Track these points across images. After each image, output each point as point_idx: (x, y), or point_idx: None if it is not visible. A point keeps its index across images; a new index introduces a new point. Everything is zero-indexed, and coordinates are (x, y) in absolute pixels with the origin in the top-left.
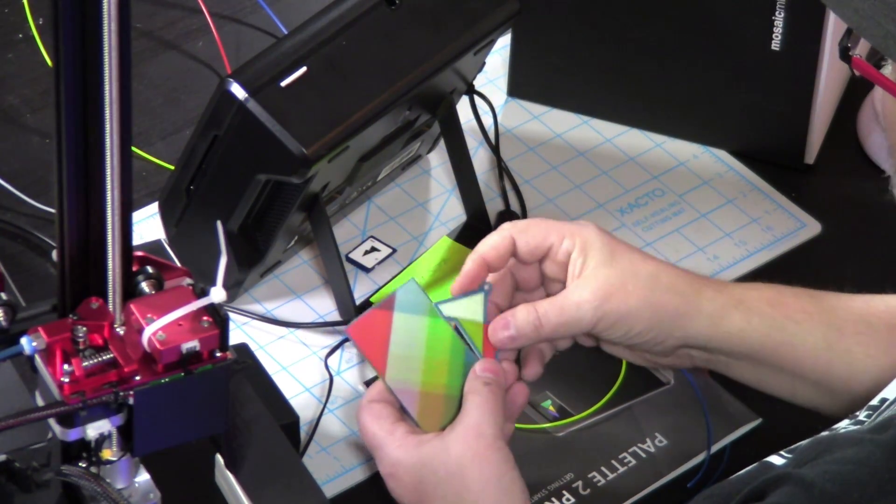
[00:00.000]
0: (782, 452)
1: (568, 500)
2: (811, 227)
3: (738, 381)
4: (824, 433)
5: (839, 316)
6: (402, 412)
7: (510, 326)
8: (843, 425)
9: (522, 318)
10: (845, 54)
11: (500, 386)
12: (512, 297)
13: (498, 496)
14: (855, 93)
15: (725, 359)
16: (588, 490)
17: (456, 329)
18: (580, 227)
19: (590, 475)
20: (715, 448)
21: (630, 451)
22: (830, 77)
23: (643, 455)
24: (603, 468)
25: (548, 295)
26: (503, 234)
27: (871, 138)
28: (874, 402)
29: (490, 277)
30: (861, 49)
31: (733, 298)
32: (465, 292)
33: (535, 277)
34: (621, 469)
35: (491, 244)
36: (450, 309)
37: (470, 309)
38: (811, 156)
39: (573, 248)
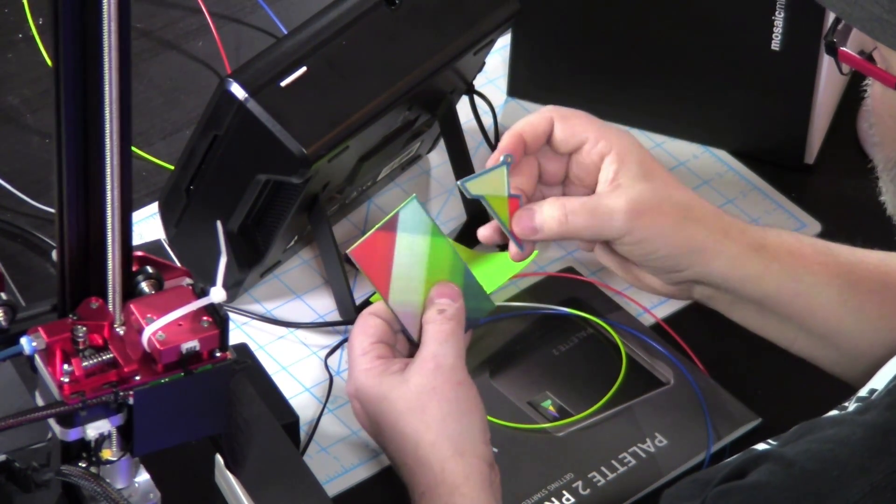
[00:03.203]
0: (769, 440)
1: (568, 500)
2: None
3: (734, 321)
4: (809, 420)
5: (855, 272)
6: (404, 334)
7: (534, 219)
8: (831, 413)
9: (549, 213)
10: (831, 49)
11: (456, 311)
12: (536, 183)
13: (458, 438)
14: (855, 93)
15: (731, 299)
16: (588, 490)
17: (457, 255)
18: (619, 133)
19: (590, 475)
20: (715, 448)
21: (630, 451)
22: (830, 77)
23: (643, 455)
24: (603, 468)
25: (564, 194)
26: (544, 115)
27: (870, 138)
28: (863, 392)
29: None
30: (851, 47)
31: (755, 242)
32: (487, 168)
33: (560, 172)
34: (621, 469)
35: (530, 122)
36: (475, 187)
37: (493, 183)
38: (811, 156)
39: (608, 151)
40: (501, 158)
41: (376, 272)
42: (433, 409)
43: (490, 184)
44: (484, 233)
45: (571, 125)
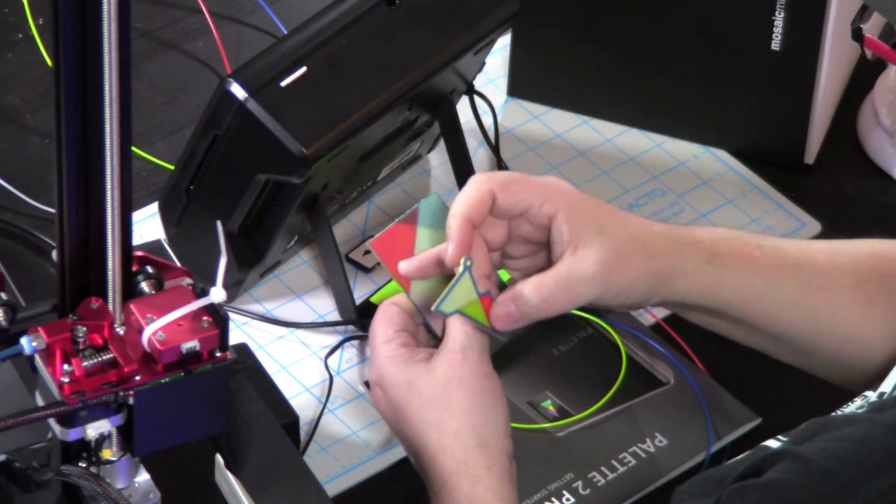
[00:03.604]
0: (779, 437)
1: (568, 500)
2: (811, 227)
3: (690, 322)
4: (820, 418)
5: (805, 271)
6: (425, 327)
7: (513, 314)
8: (844, 411)
9: (526, 303)
10: (857, 34)
11: None
12: (489, 259)
13: (482, 429)
14: (855, 93)
15: (687, 308)
16: (588, 490)
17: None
18: (558, 189)
19: (590, 475)
20: (715, 448)
21: (630, 451)
22: (830, 77)
23: (643, 455)
24: (603, 468)
25: (507, 254)
26: (482, 189)
27: (871, 138)
28: (873, 397)
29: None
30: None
31: (707, 253)
32: (450, 283)
33: (503, 236)
34: (621, 469)
35: (471, 202)
36: (449, 306)
37: (462, 293)
38: (811, 156)
39: (555, 212)
40: (462, 264)
41: (396, 265)
42: (459, 398)
43: (460, 295)
44: (406, 267)
45: (512, 194)
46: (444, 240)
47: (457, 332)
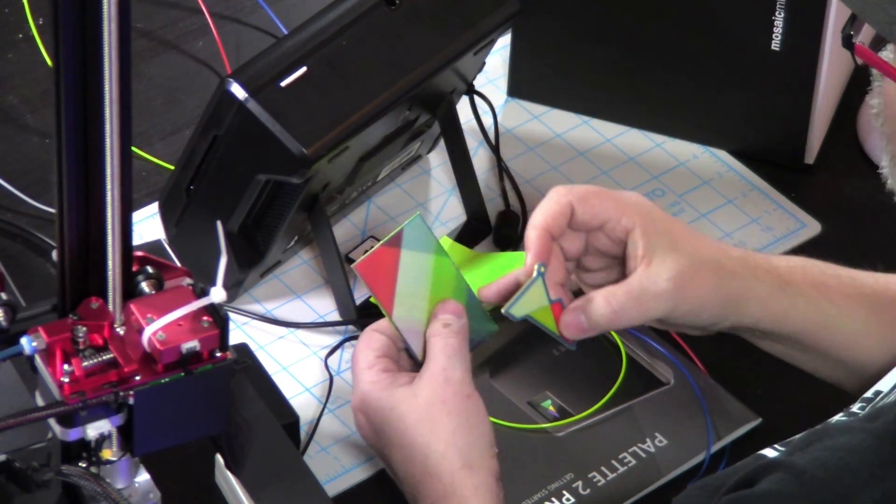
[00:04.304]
0: (776, 446)
1: (568, 500)
2: (811, 227)
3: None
4: (818, 426)
5: (878, 300)
6: (407, 352)
7: (582, 324)
8: (837, 417)
9: (597, 313)
10: (848, 42)
11: (461, 327)
12: (565, 269)
13: (467, 451)
14: (855, 93)
15: (759, 334)
16: (588, 490)
17: (470, 290)
18: (637, 204)
19: (590, 475)
20: (715, 448)
21: (630, 451)
22: (830, 77)
23: (643, 455)
24: (603, 468)
25: (582, 266)
26: (561, 201)
27: (871, 138)
28: (868, 394)
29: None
30: (864, 39)
31: (781, 279)
32: (522, 287)
33: (580, 247)
34: (621, 469)
35: (551, 213)
36: (519, 310)
37: (534, 299)
38: (811, 156)
39: (632, 227)
40: (535, 270)
41: (380, 288)
42: (443, 421)
43: (532, 300)
44: (486, 293)
45: (591, 206)
46: (429, 264)
47: (438, 353)
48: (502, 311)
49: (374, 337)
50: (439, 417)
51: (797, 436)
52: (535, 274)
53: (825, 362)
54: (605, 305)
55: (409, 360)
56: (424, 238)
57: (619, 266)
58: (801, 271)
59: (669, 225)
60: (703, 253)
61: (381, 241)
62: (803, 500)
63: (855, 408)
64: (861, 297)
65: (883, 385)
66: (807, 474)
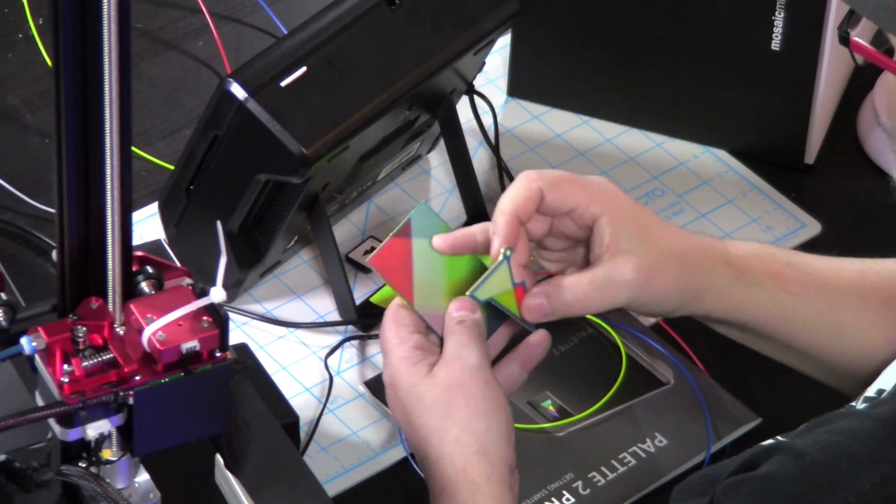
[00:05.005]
0: (778, 437)
1: (568, 500)
2: (811, 227)
3: (690, 322)
4: (818, 417)
5: (833, 288)
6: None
7: (545, 307)
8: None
9: (559, 299)
10: (844, 38)
11: (475, 322)
12: (528, 250)
13: (482, 437)
14: (855, 93)
15: (713, 321)
16: (588, 490)
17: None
18: (607, 192)
19: (590, 475)
20: (715, 448)
21: (630, 451)
22: (830, 77)
23: (643, 455)
24: (603, 468)
25: (543, 245)
26: (531, 187)
27: (871, 138)
28: (871, 393)
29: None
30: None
31: (737, 269)
32: (488, 271)
33: (544, 230)
34: (621, 469)
35: (520, 198)
36: (483, 293)
37: (498, 282)
38: (811, 156)
39: (600, 213)
40: (502, 253)
41: (398, 279)
42: (459, 405)
43: (496, 284)
44: (440, 243)
45: (561, 193)
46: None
47: (454, 341)
48: (467, 293)
49: (402, 313)
50: (456, 401)
51: (798, 428)
52: (500, 258)
53: (779, 348)
54: (569, 293)
55: (438, 342)
56: (433, 224)
57: (582, 247)
58: (756, 259)
59: (636, 213)
60: (667, 244)
61: (391, 233)
62: (803, 482)
63: (859, 405)
64: (816, 285)
65: (883, 383)
66: (806, 456)
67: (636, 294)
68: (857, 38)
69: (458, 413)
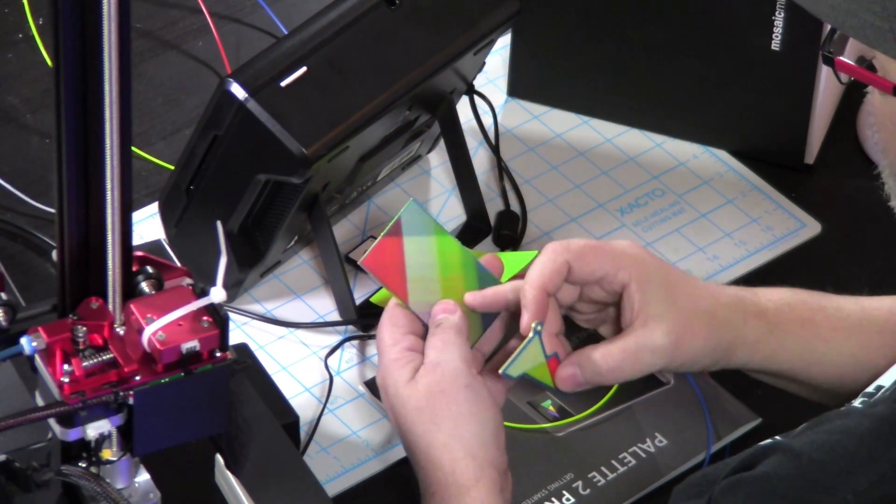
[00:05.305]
0: (776, 437)
1: (568, 500)
2: (811, 227)
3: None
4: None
5: (865, 330)
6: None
7: (578, 379)
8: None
9: (592, 369)
10: (827, 59)
11: (452, 324)
12: (560, 321)
13: (469, 440)
14: (855, 93)
15: (747, 370)
16: (588, 490)
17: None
18: (633, 257)
19: (590, 475)
20: (715, 448)
21: (630, 451)
22: (830, 77)
23: (643, 455)
24: (603, 468)
25: (575, 309)
26: (558, 260)
27: (871, 138)
28: (870, 389)
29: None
30: (850, 56)
31: (770, 321)
32: (520, 346)
33: (574, 296)
34: (621, 469)
35: (547, 272)
36: (516, 369)
37: (531, 357)
38: (811, 156)
39: (628, 280)
40: (532, 329)
41: (391, 279)
42: (443, 410)
43: (529, 359)
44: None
45: (588, 264)
46: (432, 245)
47: (431, 345)
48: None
49: (398, 313)
50: (439, 407)
51: (798, 427)
52: (531, 334)
53: (814, 390)
54: (602, 363)
55: None
56: (423, 221)
57: (614, 308)
58: (788, 308)
59: (663, 274)
60: (696, 303)
61: (382, 234)
62: (800, 482)
63: (856, 403)
64: (848, 329)
65: (884, 380)
66: (804, 456)
67: (669, 359)
68: (842, 58)
69: (443, 420)
